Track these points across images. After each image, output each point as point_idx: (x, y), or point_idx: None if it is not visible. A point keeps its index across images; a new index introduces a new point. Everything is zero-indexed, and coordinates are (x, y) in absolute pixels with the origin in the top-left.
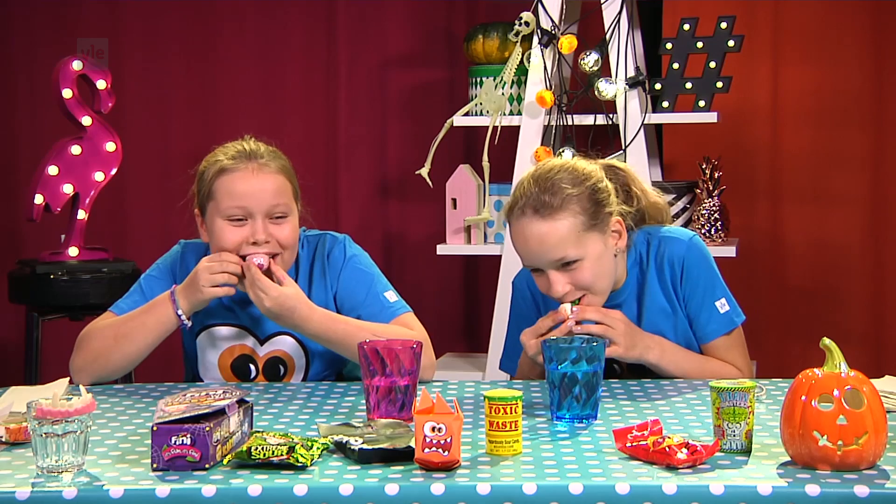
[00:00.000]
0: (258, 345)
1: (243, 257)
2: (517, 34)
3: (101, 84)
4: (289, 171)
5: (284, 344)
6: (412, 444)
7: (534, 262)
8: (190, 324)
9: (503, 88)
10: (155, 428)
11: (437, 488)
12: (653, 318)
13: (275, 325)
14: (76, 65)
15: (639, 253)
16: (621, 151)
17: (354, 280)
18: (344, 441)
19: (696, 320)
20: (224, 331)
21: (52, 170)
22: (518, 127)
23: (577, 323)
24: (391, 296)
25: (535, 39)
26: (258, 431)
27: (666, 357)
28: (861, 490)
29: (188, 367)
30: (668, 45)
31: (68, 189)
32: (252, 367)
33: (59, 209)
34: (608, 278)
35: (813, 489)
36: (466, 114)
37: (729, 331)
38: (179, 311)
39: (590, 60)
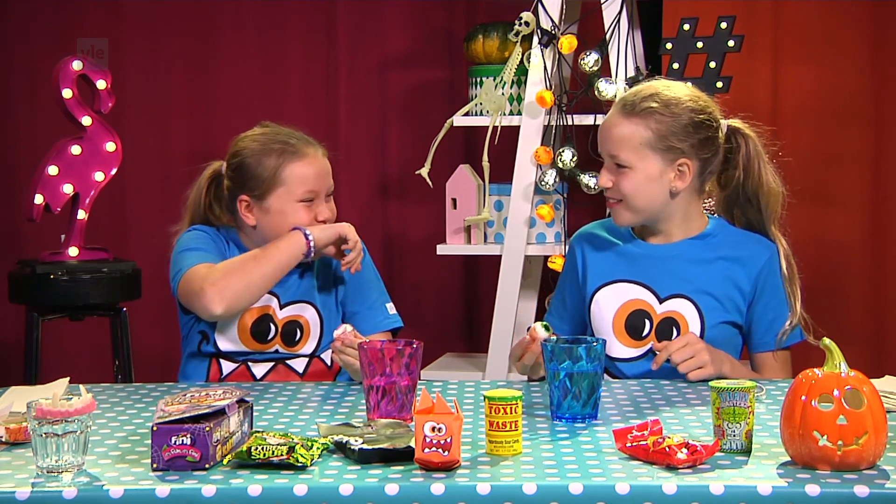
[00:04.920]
0: (279, 307)
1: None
2: (517, 34)
3: (101, 84)
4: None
5: (304, 311)
6: (412, 444)
7: (601, 148)
8: (313, 254)
9: (503, 88)
10: (155, 428)
11: (437, 488)
12: (705, 289)
13: (297, 293)
14: (76, 65)
15: (719, 232)
16: None
17: (367, 283)
18: (344, 441)
19: (769, 328)
20: None
21: (52, 170)
22: (518, 127)
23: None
24: (391, 307)
25: (535, 39)
26: (258, 431)
27: (735, 372)
28: (861, 490)
29: (193, 333)
30: (668, 45)
31: (68, 189)
32: (272, 326)
33: (59, 209)
34: (648, 201)
35: (813, 489)
36: (466, 114)
37: (790, 346)
38: (308, 233)
39: (590, 60)
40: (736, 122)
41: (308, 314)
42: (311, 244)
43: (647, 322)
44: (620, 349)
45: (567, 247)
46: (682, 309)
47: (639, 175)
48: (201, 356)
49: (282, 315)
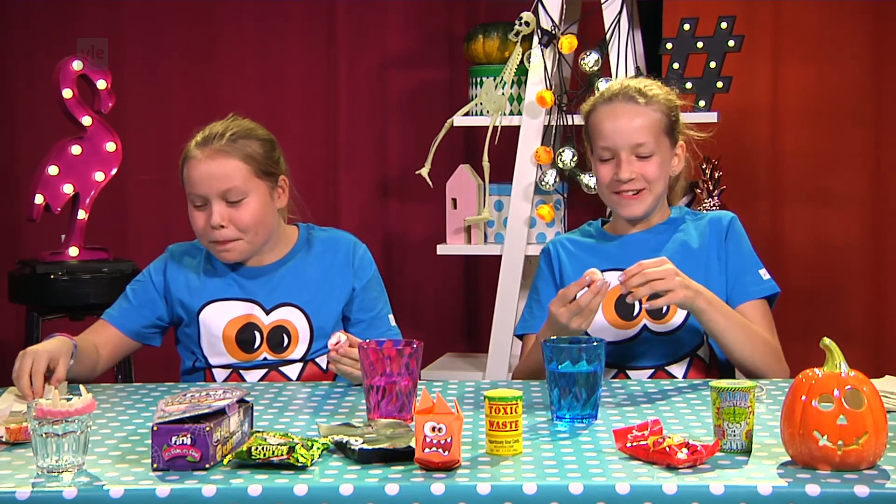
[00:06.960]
0: (263, 314)
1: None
2: (517, 34)
3: (101, 84)
4: (249, 154)
5: (291, 315)
6: (412, 444)
7: (614, 142)
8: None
9: (503, 88)
10: (155, 428)
11: (437, 488)
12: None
13: (280, 296)
14: (76, 65)
15: (683, 217)
16: None
17: (376, 293)
18: (344, 441)
19: (739, 280)
20: (229, 303)
21: (52, 170)
22: (518, 127)
23: (629, 293)
24: (392, 319)
25: (535, 39)
26: (258, 431)
27: (714, 304)
28: (861, 490)
29: (185, 353)
30: (668, 45)
31: (68, 189)
32: (257, 334)
33: (59, 209)
34: (664, 186)
35: (813, 489)
36: (466, 114)
37: (768, 296)
38: (74, 343)
39: (590, 60)
40: None
41: (295, 318)
42: (73, 353)
43: (637, 302)
44: (614, 333)
45: (541, 254)
46: None
47: (659, 159)
48: (195, 372)
49: (267, 321)
